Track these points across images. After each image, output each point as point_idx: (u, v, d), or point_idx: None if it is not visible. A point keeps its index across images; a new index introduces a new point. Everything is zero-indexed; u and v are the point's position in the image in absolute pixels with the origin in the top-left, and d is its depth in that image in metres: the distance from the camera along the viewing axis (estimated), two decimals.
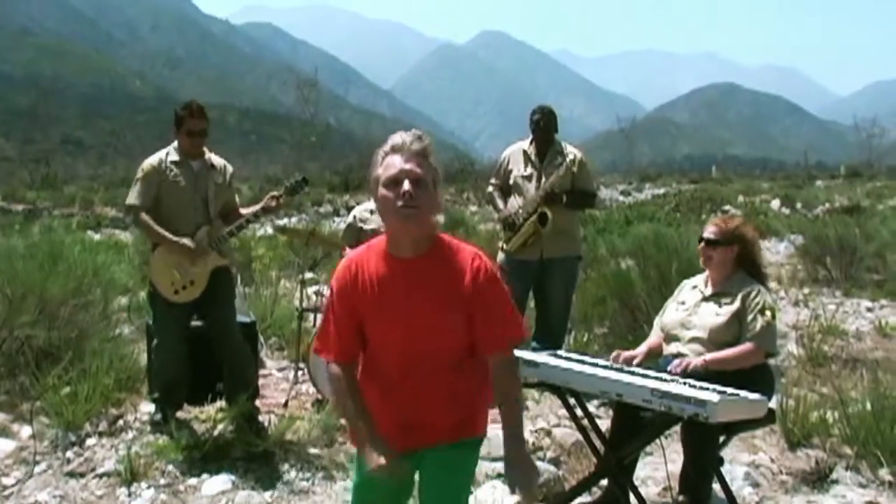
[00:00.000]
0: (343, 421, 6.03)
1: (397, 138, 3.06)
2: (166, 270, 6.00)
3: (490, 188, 7.73)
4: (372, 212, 7.10)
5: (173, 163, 6.09)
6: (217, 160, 6.25)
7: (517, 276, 7.28)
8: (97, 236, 19.70)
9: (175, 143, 6.15)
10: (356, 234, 7.12)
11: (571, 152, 7.34)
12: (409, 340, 3.09)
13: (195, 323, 6.29)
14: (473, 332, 3.12)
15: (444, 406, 3.15)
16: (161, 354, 6.21)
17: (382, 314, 3.11)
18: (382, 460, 3.07)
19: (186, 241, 5.94)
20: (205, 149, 6.18)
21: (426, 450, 3.18)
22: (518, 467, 3.03)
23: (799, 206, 28.03)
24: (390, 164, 3.01)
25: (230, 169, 6.33)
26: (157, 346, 6.25)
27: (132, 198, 6.06)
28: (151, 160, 6.13)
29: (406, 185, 2.95)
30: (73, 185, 39.45)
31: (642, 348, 5.16)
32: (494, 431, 5.93)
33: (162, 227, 5.98)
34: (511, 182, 7.42)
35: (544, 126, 7.36)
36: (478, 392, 3.21)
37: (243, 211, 6.29)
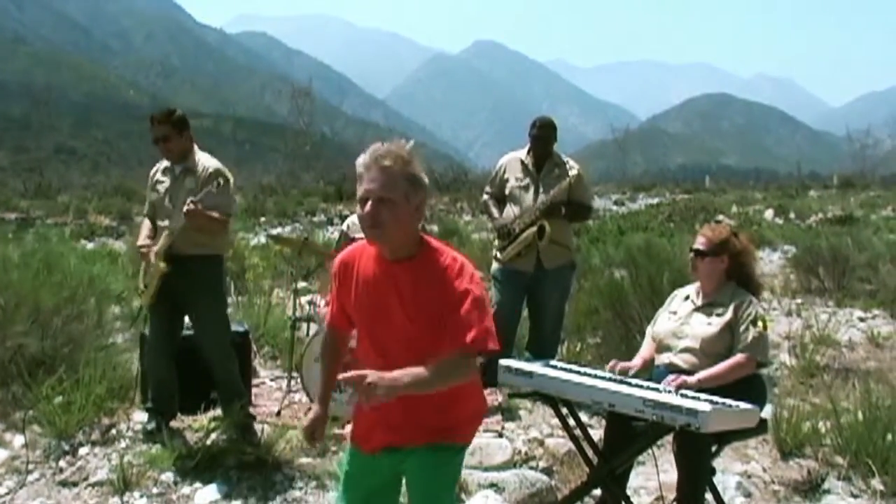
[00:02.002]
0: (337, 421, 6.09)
1: (367, 154, 3.09)
2: (141, 273, 6.31)
3: (485, 196, 7.72)
4: None
5: (164, 169, 6.26)
6: (203, 163, 6.14)
7: (510, 285, 7.29)
8: (90, 245, 19.68)
9: None
10: (349, 244, 7.12)
11: (572, 167, 7.33)
12: (384, 340, 3.19)
13: (186, 332, 6.34)
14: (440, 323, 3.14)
15: (420, 412, 3.17)
16: (148, 357, 6.36)
17: (361, 311, 3.25)
18: (306, 421, 3.47)
19: (140, 241, 6.28)
20: (196, 152, 6.18)
21: (408, 451, 3.23)
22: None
23: (792, 216, 28.09)
24: (362, 182, 3.09)
25: (211, 169, 6.08)
26: (146, 350, 6.40)
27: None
28: (154, 168, 6.43)
29: (368, 206, 3.05)
30: (66, 193, 39.34)
31: (637, 361, 5.15)
32: (486, 441, 5.99)
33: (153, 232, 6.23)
34: (507, 191, 7.41)
35: (544, 139, 7.35)
36: (461, 401, 3.24)
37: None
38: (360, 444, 3.36)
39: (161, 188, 6.19)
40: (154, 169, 6.39)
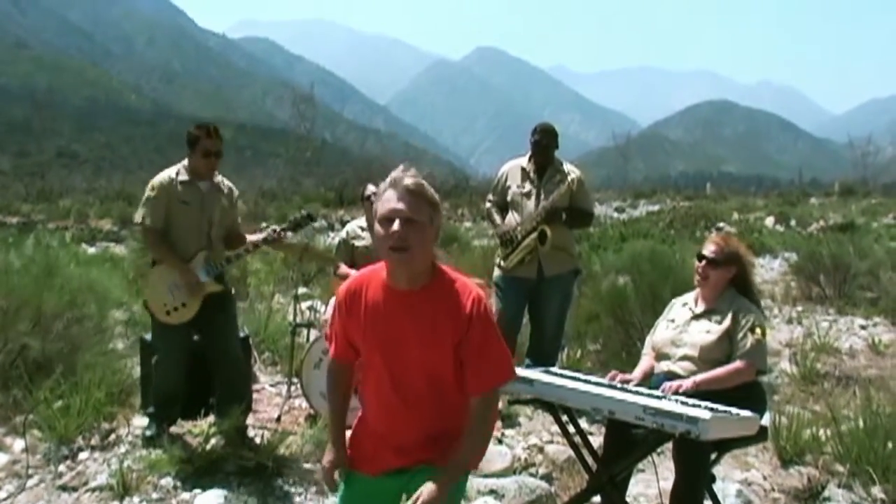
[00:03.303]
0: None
1: (395, 173, 3.07)
2: (161, 290, 6.02)
3: (487, 204, 7.72)
4: (363, 228, 7.11)
5: (182, 183, 6.07)
6: (225, 182, 6.26)
7: (513, 293, 7.29)
8: (92, 249, 19.70)
9: (185, 163, 6.14)
10: (349, 251, 7.13)
11: (572, 172, 7.33)
12: (391, 371, 3.13)
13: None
14: (462, 372, 3.13)
15: (431, 438, 3.15)
16: (162, 369, 6.20)
17: (369, 341, 3.16)
18: (327, 464, 3.34)
19: (189, 265, 5.99)
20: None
21: (416, 471, 3.15)
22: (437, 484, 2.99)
23: (793, 223, 28.09)
24: (386, 199, 3.03)
25: (236, 192, 6.34)
26: (158, 361, 6.22)
27: (142, 215, 6.05)
28: (161, 178, 6.11)
29: (396, 226, 2.97)
30: (68, 198, 39.41)
31: (637, 373, 5.14)
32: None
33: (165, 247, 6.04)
34: (509, 199, 7.41)
35: (545, 145, 7.35)
36: (462, 432, 3.17)
37: (249, 238, 6.30)
38: (361, 466, 3.29)
39: (189, 203, 6.04)
40: (166, 179, 6.09)
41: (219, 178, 6.23)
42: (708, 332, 4.89)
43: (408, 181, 3.02)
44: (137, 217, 6.12)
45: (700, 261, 5.08)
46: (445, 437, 3.14)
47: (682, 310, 5.14)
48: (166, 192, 6.03)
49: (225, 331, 6.20)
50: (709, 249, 5.06)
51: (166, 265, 6.02)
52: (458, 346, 3.06)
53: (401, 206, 2.98)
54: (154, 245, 6.12)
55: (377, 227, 3.03)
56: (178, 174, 6.09)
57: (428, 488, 2.95)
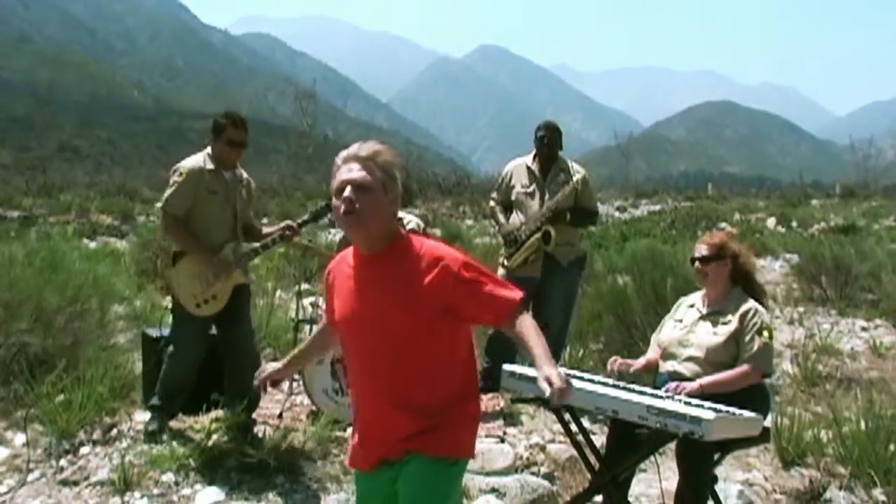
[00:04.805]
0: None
1: (346, 150, 3.17)
2: (190, 282, 5.95)
3: (491, 203, 7.72)
4: None
5: (210, 171, 6.01)
6: (245, 174, 6.26)
7: None
8: (93, 244, 19.69)
9: (208, 151, 6.09)
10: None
11: (577, 171, 7.33)
12: (362, 342, 3.18)
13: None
14: (473, 318, 3.18)
15: (405, 410, 3.12)
16: (175, 361, 6.14)
17: (342, 311, 3.24)
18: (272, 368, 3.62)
19: (220, 255, 5.96)
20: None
21: (403, 463, 3.15)
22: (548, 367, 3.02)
23: (794, 224, 28.07)
24: (338, 175, 3.12)
25: (253, 184, 6.34)
26: (172, 353, 6.14)
27: (169, 202, 5.96)
28: (190, 163, 6.02)
29: (347, 192, 3.06)
30: (69, 192, 39.36)
31: (641, 360, 5.17)
32: (487, 446, 5.98)
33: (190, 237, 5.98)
34: (513, 198, 7.41)
35: (549, 143, 7.35)
36: (452, 408, 3.17)
37: (266, 230, 6.30)
38: (360, 465, 3.32)
39: (217, 192, 6.00)
40: (195, 166, 6.00)
41: (239, 169, 6.23)
42: (715, 333, 4.89)
43: (361, 151, 3.12)
44: (163, 203, 6.04)
45: (693, 264, 5.12)
46: (426, 411, 3.12)
47: (689, 310, 5.14)
48: (195, 180, 5.95)
49: (244, 324, 6.22)
50: (699, 249, 5.11)
51: (193, 256, 5.93)
52: (438, 306, 3.07)
53: (350, 175, 3.09)
54: (178, 234, 6.00)
55: (334, 200, 3.12)
56: (205, 162, 6.03)
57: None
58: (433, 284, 3.07)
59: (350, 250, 3.30)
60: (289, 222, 6.17)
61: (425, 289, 3.07)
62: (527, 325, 3.11)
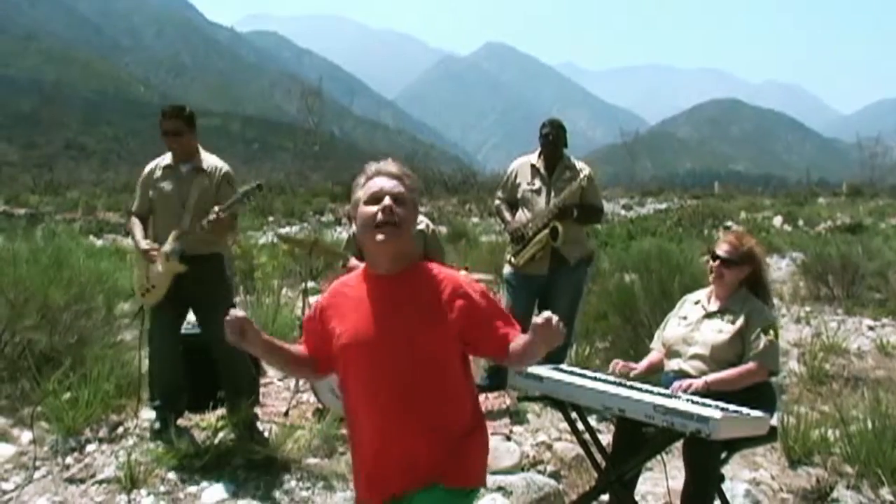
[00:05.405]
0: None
1: (377, 164, 3.16)
2: (138, 273, 6.19)
3: (497, 201, 7.72)
4: None
5: (165, 167, 6.21)
6: (211, 163, 6.21)
7: (523, 290, 7.29)
8: (99, 242, 19.72)
9: None
10: (358, 246, 7.12)
11: (582, 168, 7.32)
12: (381, 366, 3.04)
13: (195, 330, 6.35)
14: (475, 347, 3.13)
15: (421, 441, 3.02)
16: (153, 359, 6.29)
17: (353, 330, 3.10)
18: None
19: (144, 244, 6.09)
20: (201, 151, 6.19)
21: (414, 494, 3.03)
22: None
23: (801, 223, 28.01)
24: (373, 185, 3.09)
25: (224, 170, 6.21)
26: (151, 351, 6.32)
27: (133, 203, 6.38)
28: (147, 166, 6.33)
29: (387, 200, 3.03)
30: (75, 190, 39.46)
31: (643, 363, 5.14)
32: (494, 444, 5.96)
33: (152, 231, 6.18)
34: (519, 195, 7.40)
35: (554, 140, 7.35)
36: (467, 435, 3.11)
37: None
38: (371, 498, 3.15)
39: (165, 186, 6.14)
40: (152, 166, 6.30)
41: (209, 160, 6.22)
42: (720, 331, 4.86)
43: (393, 168, 3.13)
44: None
45: (714, 260, 5.03)
46: (452, 435, 3.05)
47: (694, 307, 5.11)
48: (145, 179, 6.28)
49: (208, 313, 6.12)
50: (723, 249, 5.00)
51: (136, 249, 6.22)
52: (451, 328, 3.04)
53: (390, 185, 3.07)
54: (129, 228, 6.37)
55: (363, 209, 3.07)
56: (163, 160, 6.26)
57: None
58: (452, 307, 3.04)
59: (348, 277, 3.27)
60: (217, 208, 5.95)
61: (446, 309, 3.04)
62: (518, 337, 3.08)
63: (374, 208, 3.03)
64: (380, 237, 3.03)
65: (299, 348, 3.35)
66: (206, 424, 6.14)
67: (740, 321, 4.83)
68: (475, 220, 29.68)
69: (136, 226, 6.24)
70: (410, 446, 3.02)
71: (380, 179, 3.09)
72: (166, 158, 6.23)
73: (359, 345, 3.08)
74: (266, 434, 6.07)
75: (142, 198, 6.27)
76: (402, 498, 3.05)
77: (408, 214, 3.07)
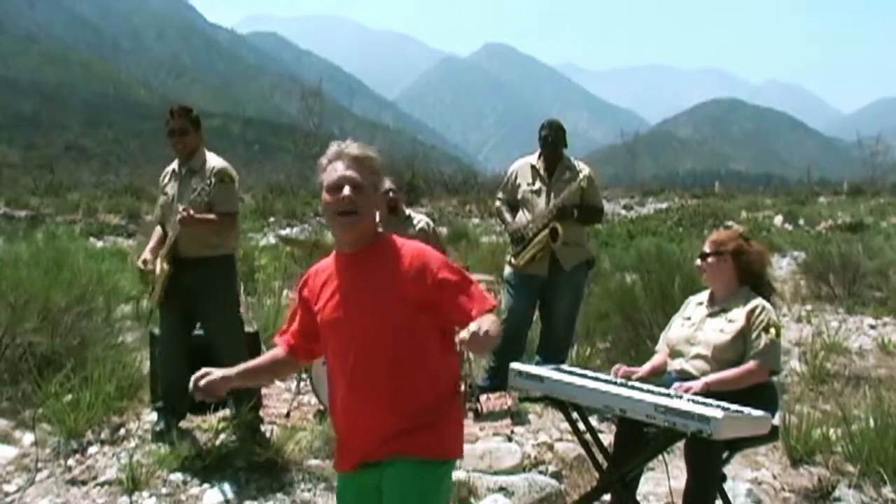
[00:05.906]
0: None
1: (338, 146, 3.21)
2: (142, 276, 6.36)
3: (497, 202, 7.74)
4: None
5: (171, 172, 6.30)
6: (210, 163, 6.18)
7: (524, 290, 7.30)
8: (100, 244, 19.73)
9: None
10: None
11: (582, 169, 7.33)
12: (351, 340, 3.15)
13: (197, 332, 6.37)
14: (446, 319, 3.17)
15: (388, 410, 3.09)
16: (162, 360, 6.36)
17: (325, 309, 3.23)
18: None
19: (141, 259, 6.26)
20: (205, 153, 6.19)
21: (386, 465, 3.11)
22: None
23: (802, 222, 27.97)
24: (332, 170, 3.17)
25: (216, 168, 6.13)
26: (158, 352, 6.42)
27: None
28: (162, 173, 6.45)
29: (346, 191, 3.11)
30: (76, 191, 39.42)
31: (646, 367, 5.14)
32: (495, 444, 5.98)
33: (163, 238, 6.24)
34: (519, 196, 7.42)
35: (553, 141, 7.37)
36: (440, 406, 3.17)
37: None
38: (344, 466, 3.29)
39: (169, 191, 6.22)
40: (164, 172, 6.40)
41: (210, 160, 6.20)
42: (722, 331, 4.86)
43: (354, 150, 3.18)
44: None
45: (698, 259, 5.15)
46: (412, 411, 3.10)
47: (697, 308, 5.12)
48: (159, 186, 6.41)
49: (209, 322, 6.25)
50: (704, 246, 5.14)
51: None
52: (418, 299, 3.10)
53: (348, 172, 3.13)
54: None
55: (324, 195, 3.16)
56: (173, 165, 6.33)
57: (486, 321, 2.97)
58: (415, 280, 3.12)
59: (325, 261, 3.34)
60: (181, 207, 5.94)
61: (408, 284, 3.11)
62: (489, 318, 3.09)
63: (334, 197, 3.13)
64: (339, 226, 3.17)
65: (276, 351, 3.50)
66: (208, 426, 6.14)
67: (741, 321, 4.83)
68: (476, 220, 29.65)
69: (155, 233, 6.38)
70: (376, 414, 3.11)
71: (339, 164, 3.16)
72: (174, 164, 6.30)
73: (329, 322, 3.23)
74: (268, 436, 6.07)
75: (158, 205, 6.42)
76: (376, 465, 3.13)
77: (366, 201, 3.15)
